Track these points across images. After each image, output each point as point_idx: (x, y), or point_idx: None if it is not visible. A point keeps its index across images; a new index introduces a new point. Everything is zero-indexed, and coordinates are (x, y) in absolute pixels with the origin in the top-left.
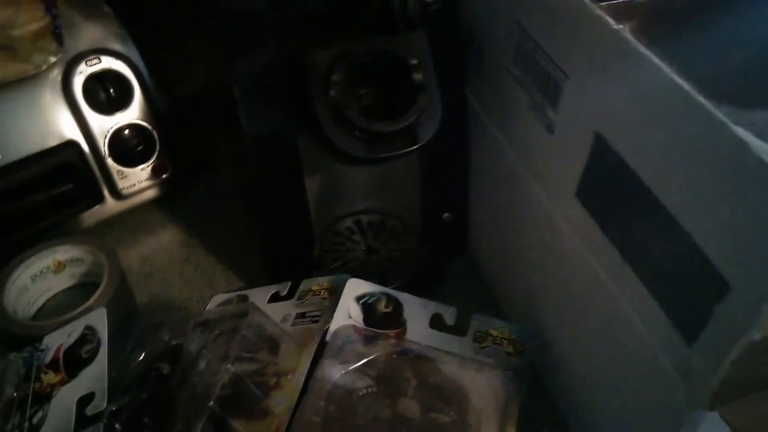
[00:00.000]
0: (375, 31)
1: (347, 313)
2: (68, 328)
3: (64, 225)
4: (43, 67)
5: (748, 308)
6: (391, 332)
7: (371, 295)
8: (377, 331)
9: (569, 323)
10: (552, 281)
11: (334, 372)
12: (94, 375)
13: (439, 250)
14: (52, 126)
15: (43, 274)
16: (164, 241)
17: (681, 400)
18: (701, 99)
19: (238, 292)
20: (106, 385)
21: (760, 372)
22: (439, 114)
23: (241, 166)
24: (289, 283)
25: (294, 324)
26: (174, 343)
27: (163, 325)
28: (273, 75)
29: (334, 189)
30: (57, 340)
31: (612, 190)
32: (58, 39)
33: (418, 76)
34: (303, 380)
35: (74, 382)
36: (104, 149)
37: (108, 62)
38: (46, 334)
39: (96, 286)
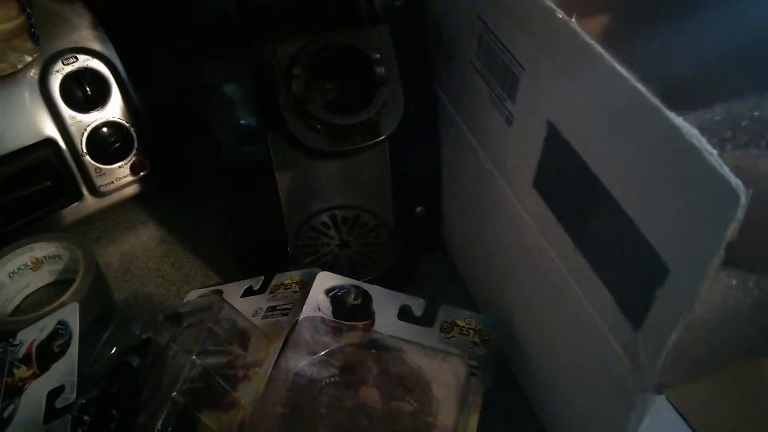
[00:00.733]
0: (340, 26)
1: (316, 305)
2: (41, 323)
3: (43, 222)
4: (19, 66)
5: (686, 290)
6: (359, 324)
7: (341, 287)
8: (344, 322)
9: (531, 311)
10: (516, 271)
11: (298, 362)
12: (65, 369)
13: (412, 244)
14: (30, 124)
15: (21, 271)
16: (143, 237)
17: (630, 384)
18: (638, 85)
19: (213, 287)
20: (76, 378)
21: (702, 354)
22: (401, 107)
23: (213, 162)
24: (262, 278)
25: (265, 317)
26: (145, 336)
27: (134, 319)
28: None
29: (307, 184)
30: (30, 335)
31: (564, 179)
32: (34, 38)
33: (380, 70)
34: (270, 371)
35: (45, 376)
36: (82, 147)
37: (85, 61)
38: (21, 329)
39: (74, 282)
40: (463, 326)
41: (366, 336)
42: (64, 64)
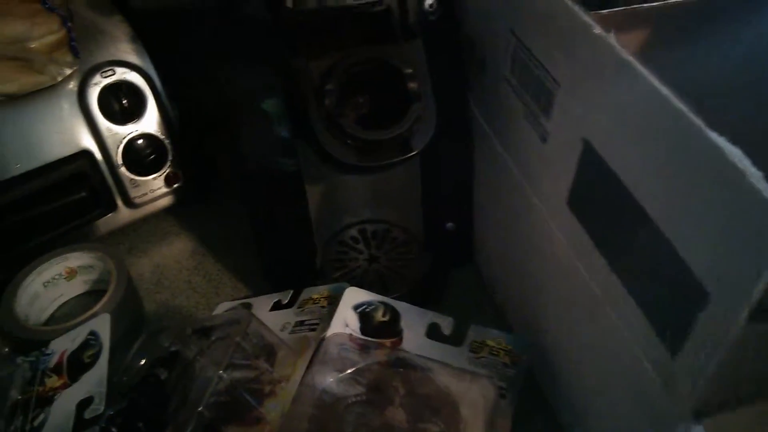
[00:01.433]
0: (374, 41)
1: (344, 321)
2: (73, 333)
3: (78, 233)
4: (59, 79)
5: (727, 318)
6: (387, 341)
7: (369, 303)
8: (372, 339)
9: (564, 333)
10: (548, 290)
11: (325, 379)
12: (94, 379)
13: (442, 260)
14: (67, 136)
15: (55, 281)
16: (175, 249)
17: (666, 412)
18: (679, 104)
19: (242, 300)
20: (105, 389)
21: (742, 384)
22: (434, 123)
23: (242, 174)
24: (291, 292)
25: (292, 332)
26: (173, 349)
27: (163, 331)
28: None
29: (336, 198)
30: (62, 345)
31: (600, 199)
32: (74, 51)
33: (413, 85)
34: (297, 387)
35: (75, 386)
36: (118, 159)
37: (122, 73)
38: (53, 339)
39: (106, 293)
40: (493, 347)
41: (393, 354)
42: (102, 76)
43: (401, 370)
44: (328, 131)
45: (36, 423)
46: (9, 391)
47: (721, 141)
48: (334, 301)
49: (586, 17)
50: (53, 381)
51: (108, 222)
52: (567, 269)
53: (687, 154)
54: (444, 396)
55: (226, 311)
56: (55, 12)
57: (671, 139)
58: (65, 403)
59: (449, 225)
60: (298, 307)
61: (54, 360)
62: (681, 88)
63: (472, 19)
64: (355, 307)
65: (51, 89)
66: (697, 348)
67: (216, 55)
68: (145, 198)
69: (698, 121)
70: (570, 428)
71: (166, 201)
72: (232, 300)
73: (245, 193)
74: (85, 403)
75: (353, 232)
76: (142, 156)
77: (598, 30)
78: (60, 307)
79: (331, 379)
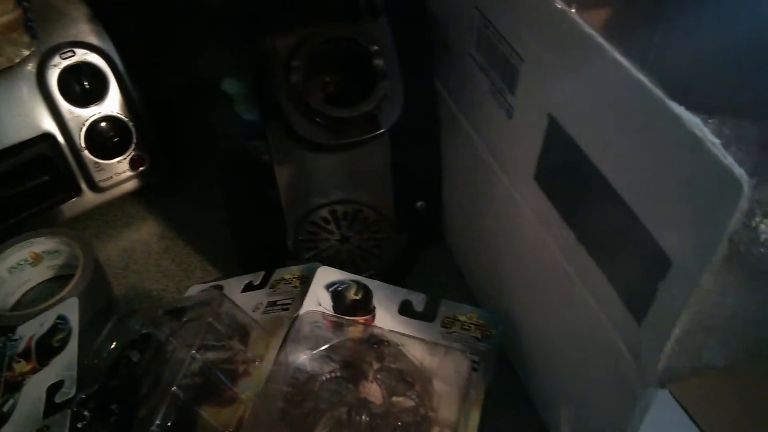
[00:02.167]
0: (339, 18)
1: (317, 300)
2: (40, 318)
3: (42, 218)
4: (17, 60)
5: (689, 283)
6: (360, 319)
7: (341, 282)
8: (345, 317)
9: (533, 306)
10: (517, 265)
11: (298, 357)
12: (64, 363)
13: (413, 239)
14: (28, 119)
15: (21, 266)
16: (143, 233)
17: (633, 379)
18: (640, 75)
19: (213, 283)
20: (76, 373)
21: (707, 350)
22: (401, 100)
23: (212, 156)
24: (263, 273)
25: (265, 312)
26: (144, 331)
27: (135, 314)
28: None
29: (307, 179)
30: (30, 330)
31: (566, 173)
32: (31, 32)
33: (379, 63)
34: (270, 367)
35: (45, 371)
36: (80, 142)
37: (82, 55)
38: (20, 324)
39: (73, 277)
40: (465, 321)
41: (367, 331)
42: (61, 58)
43: (375, 345)
44: (295, 109)
45: (6, 408)
46: None
47: (681, 110)
48: (306, 281)
49: None
50: (22, 366)
51: (73, 206)
52: (535, 243)
53: (649, 125)
54: (418, 370)
55: (197, 293)
56: None
57: (633, 111)
58: (35, 387)
59: (420, 204)
60: (271, 288)
61: (22, 345)
62: (644, 63)
63: None
64: (328, 286)
65: (8, 71)
66: (661, 315)
67: (181, 35)
68: (110, 182)
69: (658, 91)
70: (540, 400)
71: (132, 184)
72: (203, 283)
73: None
74: (55, 387)
75: (324, 213)
76: (105, 139)
77: (560, 4)
78: (26, 293)
79: (305, 357)
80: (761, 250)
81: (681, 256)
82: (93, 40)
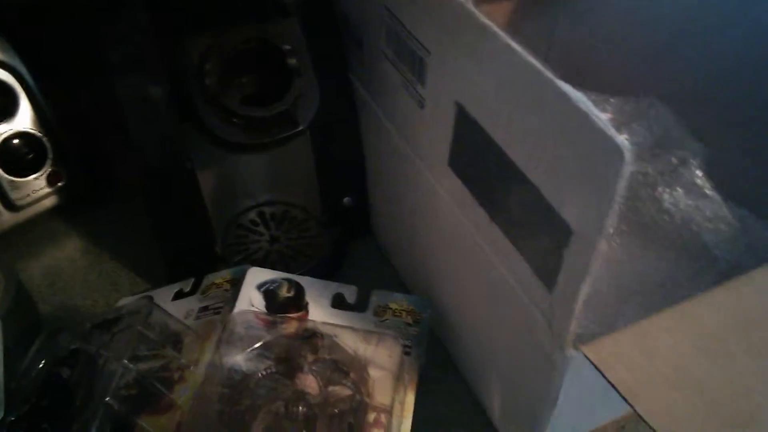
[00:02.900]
0: (249, 20)
1: (249, 301)
2: None
3: None
4: None
5: (588, 248)
6: (293, 315)
7: (272, 281)
8: (278, 315)
9: (456, 287)
10: (440, 250)
11: (232, 358)
12: None
13: (342, 234)
14: None
15: None
16: (66, 249)
17: (550, 344)
18: (530, 59)
19: (142, 294)
20: (3, 395)
21: (621, 312)
22: (317, 98)
23: (132, 166)
24: (192, 280)
25: (198, 318)
26: (73, 347)
27: (61, 331)
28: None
29: (232, 183)
30: None
31: (476, 157)
32: None
33: (292, 61)
34: (204, 370)
35: None
36: None
37: None
38: None
39: None
40: (396, 308)
41: (300, 326)
42: None
43: (308, 339)
44: (212, 112)
45: None
46: None
47: (568, 88)
48: (237, 284)
49: None
50: None
51: None
52: (454, 226)
53: (542, 105)
54: (352, 359)
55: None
56: None
57: (528, 93)
58: None
59: (346, 200)
60: (202, 294)
61: None
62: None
63: None
64: (259, 286)
65: None
66: (569, 280)
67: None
68: (28, 199)
69: (548, 73)
70: (471, 376)
71: (51, 201)
72: (132, 295)
73: (137, 179)
74: None
75: (252, 215)
76: (19, 156)
77: None
78: None
79: (240, 357)
80: (665, 217)
81: (580, 225)
82: None
